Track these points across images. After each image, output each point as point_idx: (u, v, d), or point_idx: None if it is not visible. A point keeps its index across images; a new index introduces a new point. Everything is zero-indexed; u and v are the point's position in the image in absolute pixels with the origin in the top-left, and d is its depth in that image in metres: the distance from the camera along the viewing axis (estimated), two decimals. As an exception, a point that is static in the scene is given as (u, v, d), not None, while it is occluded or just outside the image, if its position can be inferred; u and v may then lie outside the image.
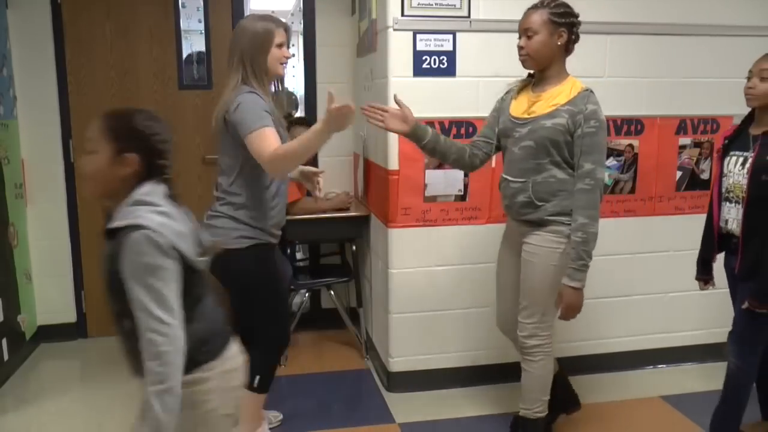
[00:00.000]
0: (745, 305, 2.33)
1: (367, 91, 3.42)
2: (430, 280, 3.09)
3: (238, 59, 2.31)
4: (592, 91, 2.32)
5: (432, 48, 2.93)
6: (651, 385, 3.24)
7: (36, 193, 3.71)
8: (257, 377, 2.49)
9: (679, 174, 3.28)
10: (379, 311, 3.36)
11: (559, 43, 2.29)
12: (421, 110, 2.90)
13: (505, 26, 2.77)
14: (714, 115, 3.24)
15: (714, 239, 2.51)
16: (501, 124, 2.46)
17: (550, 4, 2.28)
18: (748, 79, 2.36)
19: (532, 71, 2.42)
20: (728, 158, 2.44)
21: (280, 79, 2.46)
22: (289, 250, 3.58)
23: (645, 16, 3.11)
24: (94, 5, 3.66)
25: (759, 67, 2.33)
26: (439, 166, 2.98)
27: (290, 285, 3.44)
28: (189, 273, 1.51)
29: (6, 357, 3.34)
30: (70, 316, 3.87)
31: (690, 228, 2.91)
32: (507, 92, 2.52)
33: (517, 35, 2.36)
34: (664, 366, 3.44)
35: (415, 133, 2.39)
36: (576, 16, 2.32)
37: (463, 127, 2.99)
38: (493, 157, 2.67)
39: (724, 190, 2.45)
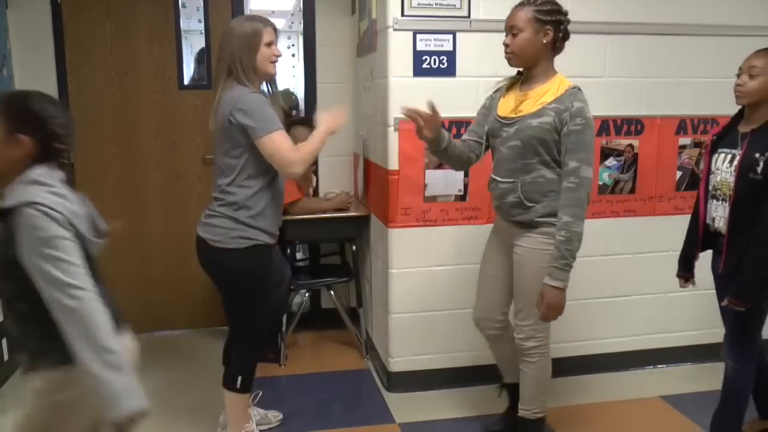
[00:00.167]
0: (725, 302, 2.33)
1: (367, 91, 3.42)
2: (430, 280, 3.09)
3: (228, 61, 2.32)
4: (579, 89, 2.29)
5: (432, 48, 2.93)
6: (651, 385, 3.24)
7: (36, 193, 3.70)
8: (239, 377, 2.49)
9: (679, 174, 3.29)
10: (379, 311, 3.36)
11: (544, 41, 2.26)
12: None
13: (505, 26, 2.77)
14: (714, 115, 3.24)
15: (698, 237, 2.50)
16: (489, 124, 2.44)
17: (535, 2, 2.25)
18: (738, 76, 2.34)
19: (521, 69, 2.40)
20: (716, 155, 2.43)
21: (272, 78, 2.46)
22: (289, 250, 3.58)
23: (645, 16, 3.11)
24: (94, 5, 3.66)
25: (748, 64, 2.32)
26: (439, 166, 2.98)
27: (290, 285, 3.44)
28: (83, 258, 1.49)
29: (6, 357, 3.33)
30: (70, 316, 3.86)
31: (690, 228, 2.91)
32: (496, 90, 2.49)
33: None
34: (664, 366, 3.44)
35: (438, 138, 2.34)
36: (564, 13, 2.29)
37: (463, 127, 2.98)
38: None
39: (711, 187, 2.44)
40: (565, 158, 2.24)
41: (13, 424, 1.72)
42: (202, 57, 3.84)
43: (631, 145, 3.22)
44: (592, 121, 2.26)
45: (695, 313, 3.36)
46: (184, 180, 3.89)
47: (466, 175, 3.03)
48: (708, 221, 2.46)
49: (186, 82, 3.86)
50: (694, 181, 3.29)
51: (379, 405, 3.08)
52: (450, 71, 2.95)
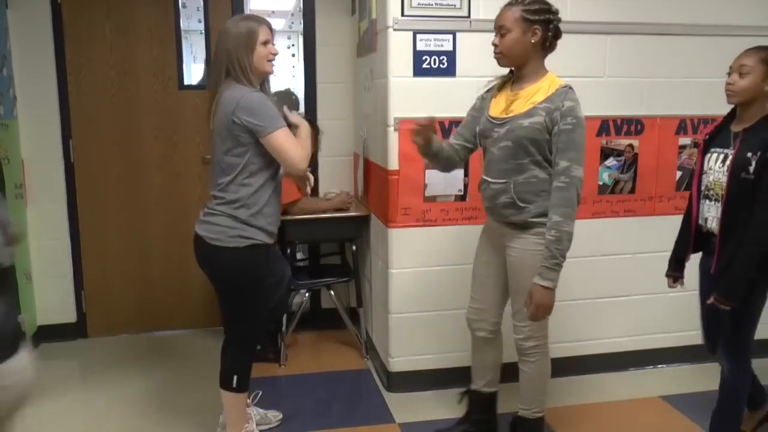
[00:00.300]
0: (711, 300, 2.32)
1: (367, 91, 3.42)
2: (430, 280, 3.09)
3: (225, 62, 2.32)
4: (570, 88, 2.27)
5: (432, 48, 2.93)
6: (651, 385, 3.24)
7: (36, 193, 3.71)
8: (235, 377, 2.49)
9: (679, 174, 3.29)
10: (379, 311, 3.36)
11: (533, 41, 2.25)
12: (421, 110, 2.90)
13: (505, 26, 2.76)
14: (714, 115, 3.21)
15: (691, 237, 2.49)
16: (481, 124, 2.42)
17: (524, 1, 2.24)
18: (729, 75, 2.34)
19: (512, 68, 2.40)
20: (709, 155, 2.42)
21: (267, 79, 2.46)
22: (289, 250, 3.58)
23: (645, 16, 3.11)
24: (94, 5, 3.66)
25: (738, 62, 2.31)
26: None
27: (290, 285, 3.44)
28: None
29: (6, 357, 3.33)
30: (70, 316, 3.87)
31: (690, 228, 2.91)
32: (487, 90, 2.48)
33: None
34: (664, 366, 3.44)
35: (431, 144, 2.41)
36: (554, 12, 2.27)
37: (463, 127, 2.99)
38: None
39: (704, 187, 2.43)
40: (555, 158, 2.23)
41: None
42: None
43: (631, 145, 3.22)
44: (583, 121, 2.25)
45: (695, 313, 3.34)
46: (184, 180, 3.90)
47: (465, 175, 3.03)
48: (700, 222, 2.45)
49: (186, 82, 3.86)
50: (694, 181, 3.30)
51: (379, 405, 3.08)
52: (450, 71, 2.95)
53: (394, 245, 3.06)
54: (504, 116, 2.32)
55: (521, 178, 2.29)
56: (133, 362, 3.57)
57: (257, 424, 2.72)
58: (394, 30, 2.89)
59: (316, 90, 3.86)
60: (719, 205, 2.34)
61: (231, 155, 2.33)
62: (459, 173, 3.01)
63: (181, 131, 3.85)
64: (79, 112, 3.73)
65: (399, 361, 3.16)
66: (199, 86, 3.86)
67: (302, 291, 3.72)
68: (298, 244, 3.82)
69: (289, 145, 2.30)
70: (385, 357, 3.24)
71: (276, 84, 4.33)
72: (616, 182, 3.24)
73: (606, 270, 3.27)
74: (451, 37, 2.93)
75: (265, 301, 2.58)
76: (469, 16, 2.93)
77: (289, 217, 3.42)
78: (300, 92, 4.11)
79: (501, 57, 2.32)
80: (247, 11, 3.80)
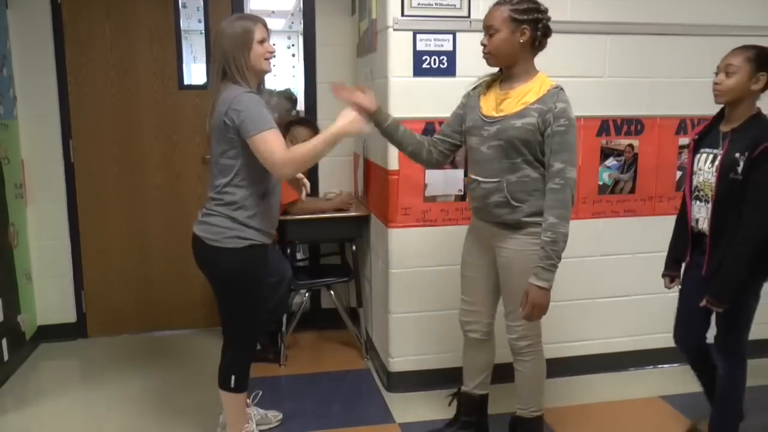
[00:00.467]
0: (703, 303, 2.32)
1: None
2: (430, 280, 3.09)
3: (221, 62, 2.31)
4: (561, 89, 2.27)
5: (432, 48, 2.93)
6: (651, 385, 3.24)
7: (36, 193, 3.71)
8: (233, 377, 2.49)
9: (679, 174, 3.29)
10: (379, 311, 3.36)
11: (521, 41, 2.23)
12: (421, 110, 2.91)
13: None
14: (714, 115, 3.23)
15: (688, 238, 2.48)
16: (469, 121, 2.41)
17: (512, 1, 2.23)
18: (716, 74, 2.33)
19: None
20: (699, 155, 2.42)
21: (263, 80, 2.45)
22: (289, 250, 3.58)
23: (645, 16, 3.11)
24: (94, 5, 3.66)
25: (725, 62, 2.31)
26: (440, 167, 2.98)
27: (290, 285, 3.44)
28: None
29: (6, 357, 3.34)
30: (70, 316, 3.87)
31: (690, 228, 2.91)
32: (474, 88, 2.47)
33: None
34: (664, 366, 3.44)
35: (378, 116, 2.43)
36: (542, 11, 2.25)
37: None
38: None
39: (693, 188, 2.43)
40: (550, 160, 2.23)
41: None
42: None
43: (631, 145, 3.22)
44: (574, 121, 2.25)
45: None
46: (184, 180, 3.90)
47: (465, 175, 3.03)
48: (692, 222, 2.45)
49: (186, 82, 3.86)
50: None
51: (379, 405, 3.08)
52: (450, 71, 2.95)
53: (394, 245, 3.06)
54: (495, 115, 2.31)
55: (514, 177, 2.28)
56: (133, 362, 3.57)
57: (257, 424, 2.72)
58: (394, 30, 2.89)
59: (316, 90, 3.86)
60: (709, 205, 2.34)
61: (226, 157, 2.32)
62: (459, 173, 3.01)
63: (181, 131, 3.85)
64: (79, 112, 3.73)
65: (399, 361, 3.16)
66: (199, 86, 3.86)
67: (302, 291, 3.72)
68: (298, 244, 3.82)
69: (272, 148, 2.21)
70: (385, 357, 3.24)
71: (276, 84, 4.34)
72: (616, 182, 3.24)
73: (606, 270, 3.27)
74: (451, 37, 2.93)
75: (263, 301, 2.57)
76: (469, 16, 2.93)
77: (289, 217, 3.42)
78: (300, 92, 4.11)
79: (489, 57, 2.31)
80: (247, 11, 3.80)
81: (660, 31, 3.13)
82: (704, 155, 2.39)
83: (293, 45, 4.94)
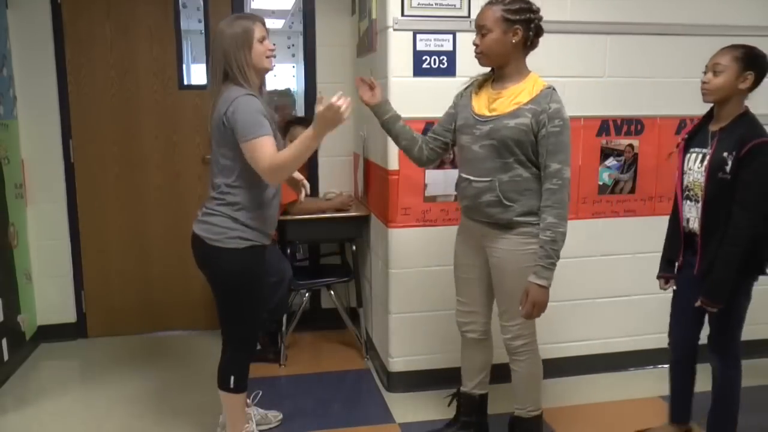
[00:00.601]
0: (698, 303, 2.33)
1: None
2: (430, 280, 3.09)
3: (222, 62, 2.30)
4: (554, 89, 2.27)
5: (432, 48, 2.93)
6: (651, 385, 3.23)
7: (36, 193, 3.71)
8: (231, 377, 2.49)
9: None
10: (379, 311, 3.36)
11: (514, 41, 2.23)
12: (421, 110, 2.91)
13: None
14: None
15: (680, 238, 2.48)
16: (461, 119, 2.41)
17: (504, 0, 2.22)
18: (704, 73, 2.34)
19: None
20: (688, 155, 2.42)
21: (263, 79, 2.45)
22: (289, 250, 3.58)
23: (645, 16, 3.11)
24: (94, 5, 3.66)
25: (713, 61, 2.32)
26: (439, 167, 2.98)
27: (290, 285, 3.44)
28: None
29: (6, 357, 3.34)
30: (70, 316, 3.87)
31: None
32: (466, 87, 2.47)
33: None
34: (664, 366, 3.41)
35: (381, 107, 2.47)
36: (534, 11, 2.25)
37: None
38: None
39: (684, 188, 2.43)
40: (546, 160, 2.23)
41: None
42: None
43: (631, 145, 3.22)
44: (568, 122, 2.26)
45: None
46: (184, 180, 3.90)
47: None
48: (683, 222, 2.45)
49: (186, 82, 3.86)
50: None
51: (379, 405, 3.08)
52: (450, 71, 2.95)
53: (394, 245, 3.06)
54: (487, 114, 2.31)
55: (506, 176, 2.28)
56: (133, 362, 3.57)
57: (257, 424, 2.72)
58: (394, 30, 2.89)
59: (316, 90, 3.86)
60: (699, 205, 2.34)
61: (226, 158, 2.32)
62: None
63: (181, 131, 3.85)
64: (79, 112, 3.73)
65: (399, 361, 3.16)
66: (199, 86, 3.85)
67: (302, 291, 3.72)
68: (298, 244, 3.82)
69: (261, 155, 2.19)
70: (385, 357, 3.24)
71: (276, 84, 4.34)
72: (616, 182, 3.24)
73: (606, 270, 3.27)
74: (451, 37, 2.93)
75: (262, 301, 2.57)
76: (469, 16, 2.93)
77: (289, 217, 3.42)
78: (300, 92, 4.11)
79: (482, 57, 2.31)
80: (247, 11, 3.80)
81: (660, 31, 3.13)
82: (693, 155, 2.40)
83: (293, 45, 4.94)
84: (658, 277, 2.61)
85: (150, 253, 3.92)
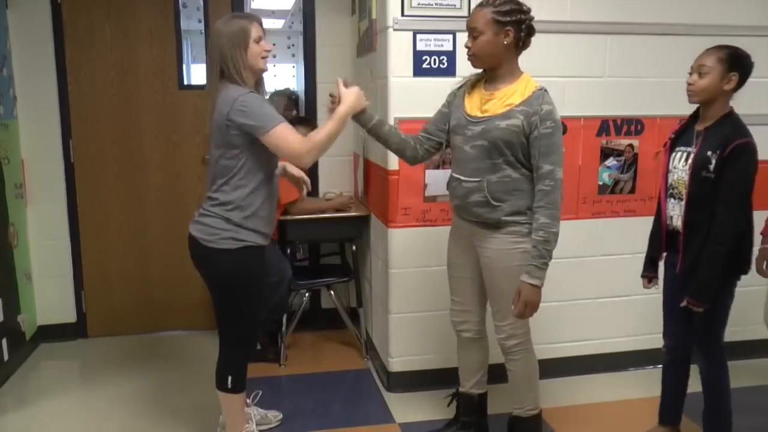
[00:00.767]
0: (684, 303, 2.33)
1: (368, 92, 3.41)
2: (430, 280, 3.09)
3: (218, 60, 2.30)
4: (546, 90, 2.27)
5: (432, 48, 2.93)
6: (651, 385, 3.23)
7: (36, 193, 3.71)
8: (229, 377, 2.48)
9: (679, 174, 3.28)
10: (379, 311, 3.36)
11: (505, 42, 2.23)
12: (421, 110, 2.90)
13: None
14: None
15: (662, 237, 2.50)
16: (453, 120, 2.41)
17: (494, 2, 2.22)
18: (690, 74, 2.35)
19: None
20: (674, 154, 2.44)
21: (262, 79, 2.45)
22: (289, 250, 3.58)
23: (645, 16, 3.11)
24: (94, 5, 3.67)
25: (698, 63, 2.33)
26: (439, 166, 2.98)
27: (290, 285, 3.44)
28: None
29: (6, 357, 3.34)
30: (70, 316, 3.87)
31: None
32: (459, 87, 2.47)
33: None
34: (664, 366, 3.44)
35: (364, 116, 2.45)
36: (525, 11, 2.25)
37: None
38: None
39: (668, 186, 2.45)
40: (538, 162, 2.24)
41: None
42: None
43: (631, 145, 3.22)
44: (560, 123, 2.26)
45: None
46: (184, 180, 3.90)
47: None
48: (667, 221, 2.47)
49: (186, 82, 3.86)
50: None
51: (379, 405, 3.08)
52: (450, 71, 2.95)
53: (394, 245, 3.06)
54: (479, 115, 2.31)
55: (495, 177, 2.29)
56: (133, 362, 3.57)
57: (257, 424, 2.72)
58: (394, 30, 2.89)
59: (316, 90, 3.86)
60: (683, 203, 2.36)
61: (226, 158, 2.31)
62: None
63: (181, 131, 3.86)
64: (79, 112, 3.73)
65: (399, 361, 3.16)
66: (199, 86, 3.86)
67: (302, 291, 3.72)
68: (298, 244, 3.82)
69: (291, 140, 2.25)
70: (385, 357, 3.24)
71: (276, 84, 4.34)
72: (616, 182, 3.24)
73: (606, 270, 3.27)
74: (451, 37, 2.93)
75: (258, 302, 2.56)
76: (469, 16, 2.92)
77: (289, 217, 3.42)
78: (300, 92, 4.12)
79: (474, 59, 2.31)
80: (247, 11, 3.80)
81: (660, 31, 3.13)
82: (679, 153, 2.42)
83: (293, 45, 4.94)
84: (642, 276, 2.64)
85: (150, 253, 3.92)
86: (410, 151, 2.52)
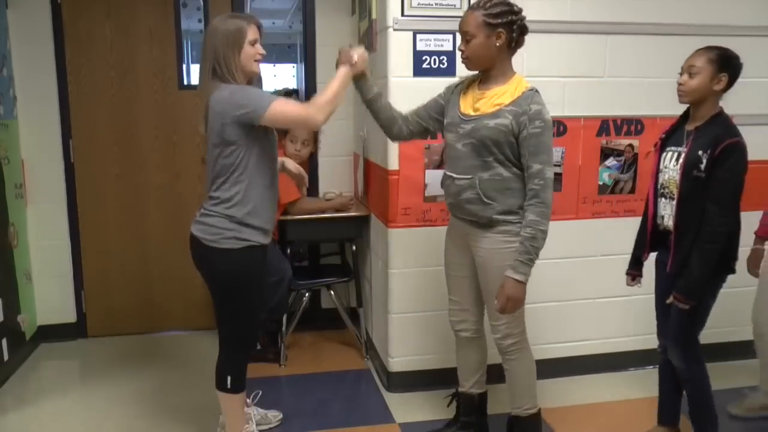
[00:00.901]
0: (670, 300, 2.34)
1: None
2: (430, 280, 3.09)
3: (211, 58, 2.29)
4: (536, 90, 2.28)
5: (432, 48, 2.93)
6: (651, 385, 3.23)
7: (36, 193, 3.71)
8: (228, 377, 2.48)
9: (679, 174, 3.28)
10: (379, 311, 3.36)
11: (497, 44, 2.24)
12: (421, 110, 2.91)
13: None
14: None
15: (647, 236, 2.51)
16: (448, 118, 2.43)
17: (485, 5, 2.23)
18: (680, 75, 2.37)
19: None
20: (665, 153, 2.45)
21: (258, 78, 2.45)
22: (289, 250, 3.58)
23: (645, 16, 3.11)
24: (94, 5, 3.67)
25: (688, 63, 2.35)
26: (439, 166, 2.98)
27: (290, 285, 3.44)
28: None
29: (6, 357, 3.34)
30: (70, 316, 3.87)
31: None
32: (457, 84, 2.49)
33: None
34: (664, 366, 3.44)
35: (365, 84, 2.48)
36: (516, 12, 2.26)
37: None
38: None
39: (659, 185, 2.46)
40: (528, 161, 2.25)
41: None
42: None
43: (631, 145, 3.22)
44: (550, 123, 2.27)
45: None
46: (184, 180, 3.90)
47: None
48: (658, 220, 2.48)
49: (186, 82, 3.86)
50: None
51: (379, 405, 3.08)
52: (450, 71, 2.95)
53: (394, 245, 3.06)
54: (471, 114, 2.33)
55: (486, 175, 2.30)
56: (133, 362, 3.57)
57: (257, 424, 2.72)
58: (394, 30, 2.89)
59: (317, 90, 3.86)
60: (674, 203, 2.37)
61: (223, 157, 2.31)
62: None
63: (181, 131, 3.86)
64: (79, 112, 3.73)
65: (399, 361, 3.16)
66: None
67: (302, 291, 3.72)
68: (298, 244, 3.82)
69: (293, 109, 2.28)
70: (385, 357, 3.24)
71: (276, 84, 4.35)
72: (616, 182, 3.24)
73: (606, 270, 3.27)
74: (451, 37, 2.93)
75: (259, 302, 2.56)
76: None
77: (289, 217, 3.42)
78: (300, 92, 4.12)
79: (468, 62, 2.33)
80: (247, 11, 3.80)
81: (660, 31, 3.13)
82: (670, 153, 2.43)
83: (293, 45, 4.94)
84: (626, 274, 2.65)
85: (150, 253, 3.92)
86: (396, 128, 2.55)
